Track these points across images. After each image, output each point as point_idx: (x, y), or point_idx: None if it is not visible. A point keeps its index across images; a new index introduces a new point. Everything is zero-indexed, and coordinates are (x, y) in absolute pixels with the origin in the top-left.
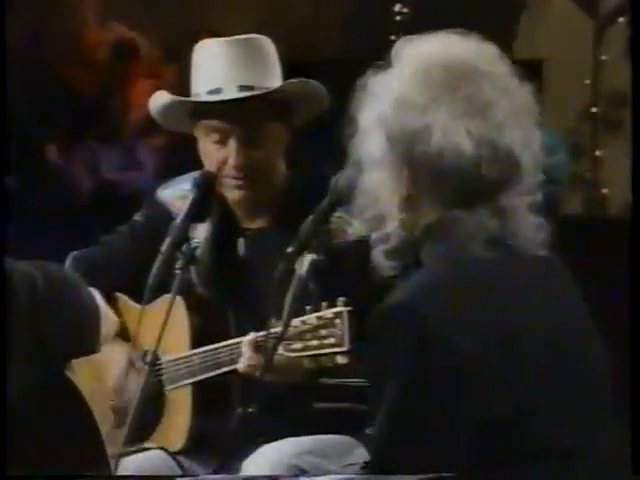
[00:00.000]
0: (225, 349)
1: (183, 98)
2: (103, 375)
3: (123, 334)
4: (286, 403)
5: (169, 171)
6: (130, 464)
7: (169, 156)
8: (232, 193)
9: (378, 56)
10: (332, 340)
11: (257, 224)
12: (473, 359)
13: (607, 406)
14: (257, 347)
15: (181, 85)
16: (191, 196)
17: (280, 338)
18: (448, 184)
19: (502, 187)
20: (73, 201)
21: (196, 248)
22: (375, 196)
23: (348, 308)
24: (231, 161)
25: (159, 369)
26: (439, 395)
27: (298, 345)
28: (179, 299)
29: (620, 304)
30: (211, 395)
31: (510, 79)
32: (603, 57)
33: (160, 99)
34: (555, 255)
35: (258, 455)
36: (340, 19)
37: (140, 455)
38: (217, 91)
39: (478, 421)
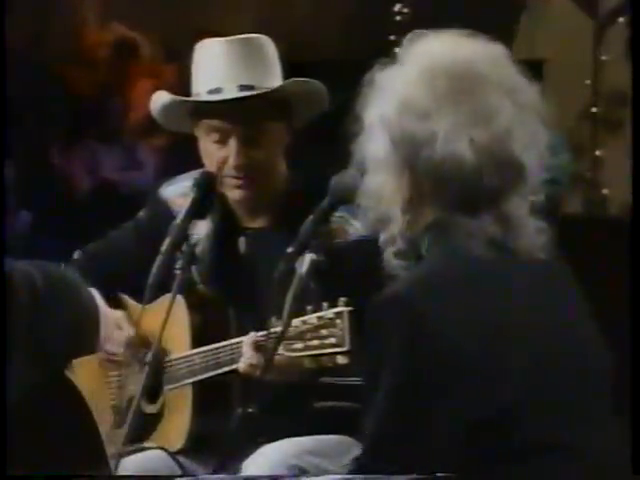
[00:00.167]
0: (226, 349)
1: (183, 98)
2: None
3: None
4: (286, 403)
5: (169, 171)
6: (130, 464)
7: (169, 156)
8: (232, 193)
9: (378, 56)
10: (333, 340)
11: (258, 223)
12: (467, 354)
13: (607, 406)
14: (258, 347)
15: (181, 85)
16: (191, 196)
17: (280, 338)
18: (449, 190)
19: (505, 193)
20: (73, 201)
21: (196, 245)
22: (379, 197)
23: (349, 308)
24: (231, 161)
25: (160, 369)
26: (433, 389)
27: (299, 345)
28: (180, 299)
29: (620, 304)
30: (211, 395)
31: (517, 80)
32: (603, 57)
33: (160, 99)
34: (555, 257)
35: (258, 455)
36: (340, 19)
37: (140, 455)
38: (217, 91)
39: (472, 416)
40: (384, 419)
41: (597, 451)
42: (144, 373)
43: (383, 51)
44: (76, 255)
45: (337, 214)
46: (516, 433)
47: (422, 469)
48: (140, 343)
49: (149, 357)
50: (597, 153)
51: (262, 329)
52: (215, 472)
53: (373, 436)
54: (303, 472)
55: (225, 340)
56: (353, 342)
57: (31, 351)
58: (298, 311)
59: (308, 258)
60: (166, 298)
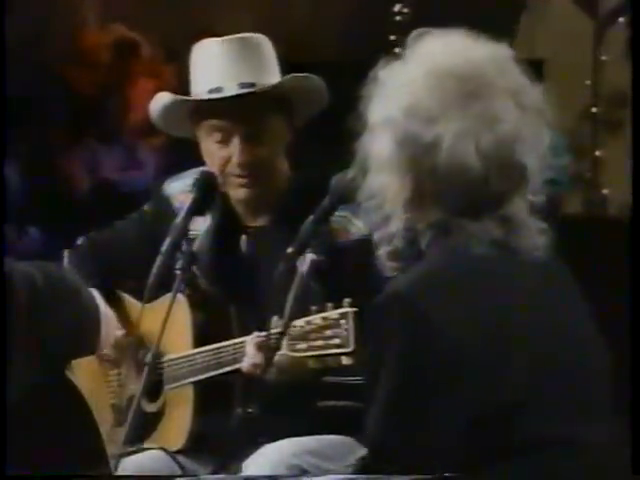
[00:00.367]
0: (228, 348)
1: (185, 97)
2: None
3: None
4: (289, 403)
5: (169, 171)
6: (130, 464)
7: (169, 156)
8: (236, 192)
9: (378, 56)
10: (337, 341)
11: (260, 222)
12: (469, 351)
13: (606, 405)
14: (260, 346)
15: (181, 85)
16: (191, 196)
17: (281, 338)
18: (453, 193)
19: (507, 195)
20: (73, 201)
21: (193, 241)
22: (381, 196)
23: (353, 309)
24: (235, 159)
25: (160, 368)
26: (434, 386)
27: (303, 345)
28: (182, 298)
29: (620, 304)
30: (212, 395)
31: (521, 81)
32: (603, 57)
33: (161, 100)
34: (555, 257)
35: (258, 455)
36: (340, 19)
37: (140, 455)
38: (218, 90)
39: (473, 413)
40: (386, 416)
41: (597, 448)
42: (144, 372)
43: (383, 51)
44: (80, 241)
45: (339, 213)
46: (517, 429)
47: (423, 465)
48: (141, 342)
49: (149, 357)
50: (597, 153)
51: (264, 328)
52: (215, 472)
53: (375, 433)
54: (303, 472)
55: (227, 339)
56: (357, 343)
57: (31, 351)
58: (299, 311)
59: (308, 258)
60: (167, 297)
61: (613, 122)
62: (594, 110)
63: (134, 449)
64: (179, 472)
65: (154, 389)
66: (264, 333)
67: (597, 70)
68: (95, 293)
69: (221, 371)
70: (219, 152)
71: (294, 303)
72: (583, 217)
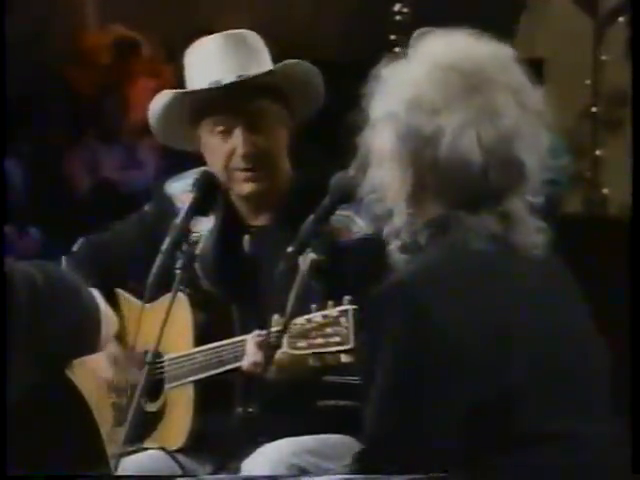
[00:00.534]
0: (228, 347)
1: (185, 90)
2: (98, 374)
3: (124, 333)
4: (288, 402)
5: (169, 170)
6: (130, 464)
7: (169, 155)
8: (241, 187)
9: (378, 56)
10: (337, 338)
11: (262, 221)
12: (469, 342)
13: (606, 401)
14: (261, 345)
15: (181, 85)
16: (191, 196)
17: (281, 336)
18: (453, 188)
19: (508, 192)
20: (73, 200)
21: (197, 243)
22: (383, 191)
23: (354, 306)
24: (239, 150)
25: (161, 367)
26: (434, 377)
27: (303, 343)
28: (183, 297)
29: (620, 304)
30: (213, 394)
31: (522, 81)
32: (603, 57)
33: (161, 99)
34: (554, 256)
35: (258, 454)
36: (340, 19)
37: (140, 455)
38: (217, 83)
39: (472, 404)
40: (384, 405)
41: (597, 445)
42: (144, 372)
43: (383, 51)
44: (80, 243)
45: (341, 212)
46: (516, 423)
47: (421, 456)
48: (141, 341)
49: (149, 356)
50: (597, 153)
51: (265, 327)
52: (215, 471)
53: (373, 422)
54: (303, 471)
55: (229, 338)
56: (358, 340)
57: (31, 351)
58: (300, 309)
59: (309, 257)
60: (168, 297)
61: (613, 122)
62: (594, 110)
63: (134, 449)
64: (179, 472)
65: (154, 389)
66: (264, 331)
67: (597, 70)
68: (95, 293)
69: (222, 370)
70: (222, 147)
71: (295, 302)
72: (583, 217)
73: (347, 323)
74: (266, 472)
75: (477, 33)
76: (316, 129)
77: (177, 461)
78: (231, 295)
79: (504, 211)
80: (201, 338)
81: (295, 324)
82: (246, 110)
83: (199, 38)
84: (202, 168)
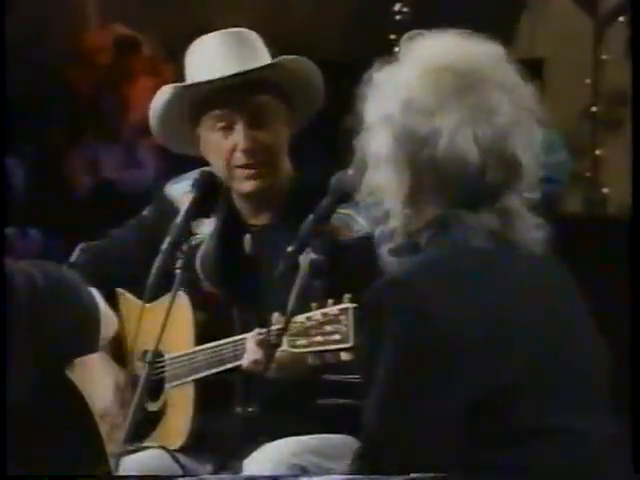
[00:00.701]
0: (229, 345)
1: (186, 83)
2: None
3: (124, 332)
4: (289, 401)
5: (169, 170)
6: (130, 463)
7: (169, 155)
8: (242, 185)
9: (378, 56)
10: (337, 336)
11: (263, 220)
12: (468, 336)
13: (606, 396)
14: (261, 343)
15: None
16: (191, 196)
17: (281, 334)
18: (451, 187)
19: (505, 189)
20: (73, 200)
21: (198, 245)
22: (381, 193)
23: (354, 305)
24: (240, 146)
25: (161, 367)
26: (433, 370)
27: (303, 341)
28: (184, 297)
29: (620, 304)
30: (213, 393)
31: (515, 80)
32: (603, 57)
33: (162, 95)
34: (553, 253)
35: (259, 454)
36: (340, 19)
37: (140, 454)
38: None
39: (470, 398)
40: (384, 403)
41: (597, 443)
42: (144, 372)
43: (383, 51)
44: (77, 253)
45: (342, 211)
46: (515, 416)
47: (422, 454)
48: (141, 341)
49: (149, 356)
50: (597, 153)
51: (265, 326)
52: (216, 471)
53: (373, 420)
54: (304, 471)
55: (229, 337)
56: (357, 338)
57: (31, 351)
58: (301, 308)
59: (309, 257)
60: (168, 297)
61: (613, 121)
62: (594, 109)
63: (134, 448)
64: (179, 471)
65: (155, 388)
66: (265, 330)
67: (597, 69)
68: (95, 293)
69: (222, 368)
70: (223, 143)
71: (295, 301)
72: (583, 216)
73: (347, 321)
74: (267, 472)
75: (468, 32)
76: (316, 129)
77: (177, 461)
78: (232, 295)
79: (502, 208)
80: (202, 337)
81: (295, 322)
82: (247, 105)
83: (199, 37)
84: (202, 168)
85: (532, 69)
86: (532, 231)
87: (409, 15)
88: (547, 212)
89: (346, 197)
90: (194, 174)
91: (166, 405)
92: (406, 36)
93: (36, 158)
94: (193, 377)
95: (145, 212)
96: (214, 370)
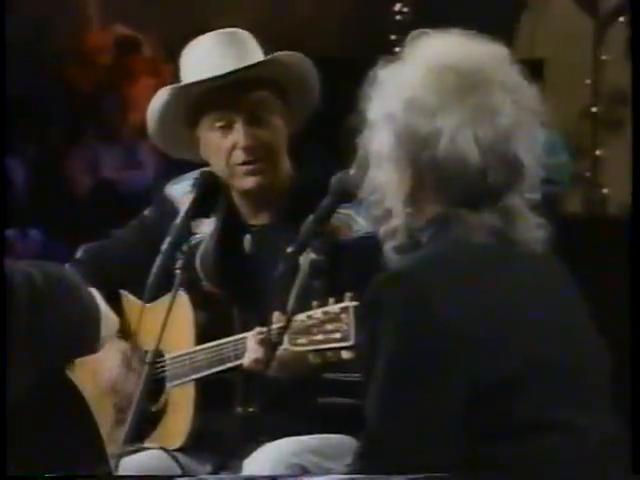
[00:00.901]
0: (230, 344)
1: (182, 84)
2: (101, 374)
3: (124, 332)
4: (289, 400)
5: (169, 170)
6: (130, 463)
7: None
8: (244, 181)
9: (378, 55)
10: (338, 335)
11: (263, 220)
12: (468, 330)
13: (606, 393)
14: (261, 341)
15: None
16: (191, 196)
17: (282, 333)
18: (452, 187)
19: (506, 190)
20: (73, 201)
21: (198, 245)
22: (383, 192)
23: (355, 303)
24: (240, 144)
25: (161, 367)
26: (432, 362)
27: (304, 339)
28: (184, 297)
29: (620, 304)
30: (213, 393)
31: (518, 80)
32: (603, 57)
33: (159, 98)
34: (553, 252)
35: (259, 454)
36: (340, 19)
37: (140, 454)
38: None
39: (470, 392)
40: (385, 396)
41: (596, 439)
42: (144, 372)
43: (383, 50)
44: (79, 253)
45: (342, 211)
46: (515, 411)
47: (423, 446)
48: (142, 341)
49: (149, 356)
50: (597, 153)
51: (266, 325)
52: (216, 471)
53: (374, 412)
54: (304, 471)
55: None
56: (358, 337)
57: (31, 351)
58: (301, 308)
59: (309, 258)
60: (169, 297)
61: (613, 121)
62: (594, 109)
63: (134, 448)
64: (179, 471)
65: (155, 388)
66: (265, 328)
67: (597, 69)
68: (95, 293)
69: (223, 367)
70: (223, 143)
71: (296, 300)
72: (583, 216)
73: (348, 320)
74: (267, 471)
75: (472, 33)
76: (316, 129)
77: (177, 461)
78: (232, 295)
79: (504, 207)
80: (202, 337)
81: (296, 321)
82: (244, 103)
83: (194, 39)
84: (202, 169)
85: (532, 69)
86: (533, 230)
87: (409, 15)
88: (547, 212)
89: (346, 197)
90: (194, 174)
91: (166, 405)
92: (411, 35)
93: (36, 158)
94: (194, 376)
95: (146, 212)
96: (215, 369)
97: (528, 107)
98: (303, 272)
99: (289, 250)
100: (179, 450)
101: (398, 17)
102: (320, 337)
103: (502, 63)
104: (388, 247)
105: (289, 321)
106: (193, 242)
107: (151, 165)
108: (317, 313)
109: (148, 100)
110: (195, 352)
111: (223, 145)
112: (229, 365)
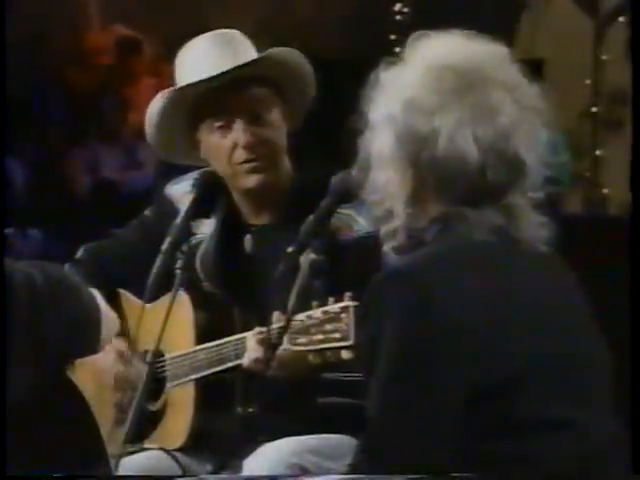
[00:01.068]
0: (230, 344)
1: (179, 86)
2: (102, 374)
3: (125, 332)
4: (288, 400)
5: (169, 170)
6: (130, 464)
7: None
8: (247, 180)
9: (379, 55)
10: (338, 335)
11: (263, 220)
12: (469, 327)
13: (607, 392)
14: (261, 341)
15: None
16: (191, 196)
17: (282, 333)
18: (453, 186)
19: (508, 187)
20: (73, 201)
21: (198, 245)
22: (384, 192)
23: (354, 303)
24: (241, 142)
25: (162, 366)
26: (433, 359)
27: (303, 339)
28: (185, 297)
29: (620, 304)
30: (213, 393)
31: (518, 79)
32: (603, 57)
33: (156, 103)
34: (556, 252)
35: (258, 454)
36: (340, 19)
37: (140, 455)
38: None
39: (471, 389)
40: (386, 393)
41: (597, 437)
42: (145, 372)
43: (384, 50)
44: (80, 253)
45: (343, 211)
46: (516, 408)
47: (424, 443)
48: (142, 341)
49: (149, 356)
50: (597, 153)
51: (266, 324)
52: (216, 471)
53: (376, 409)
54: (303, 471)
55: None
56: (358, 337)
57: (31, 351)
58: (302, 307)
59: (309, 258)
60: (169, 297)
61: (613, 121)
62: (594, 109)
63: (134, 449)
64: (179, 471)
65: (155, 388)
66: (265, 328)
67: (597, 69)
68: (95, 293)
69: (223, 367)
70: (223, 143)
71: (296, 300)
72: (583, 216)
73: (348, 319)
74: (266, 471)
75: (472, 33)
76: (316, 129)
77: (177, 461)
78: (232, 295)
79: (506, 205)
80: (202, 337)
81: (296, 320)
82: (242, 102)
83: (186, 43)
84: (202, 169)
85: (532, 69)
86: (536, 229)
87: (409, 15)
88: (548, 212)
89: (347, 197)
90: (194, 174)
91: (166, 405)
92: (412, 37)
93: (36, 158)
94: (194, 376)
95: (146, 212)
96: (215, 369)
97: (529, 106)
98: (303, 272)
99: (289, 250)
100: (179, 450)
101: (398, 17)
102: (320, 337)
103: (502, 62)
104: (388, 247)
105: (289, 321)
106: (193, 242)
107: (151, 165)
108: (317, 313)
109: (148, 100)
110: (195, 352)
111: (223, 145)
112: (229, 365)
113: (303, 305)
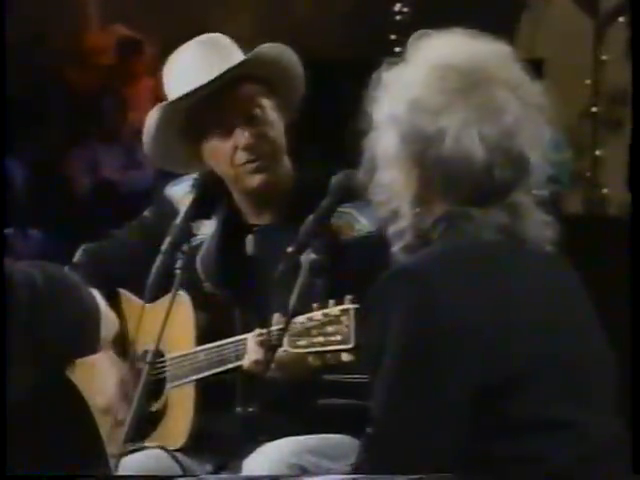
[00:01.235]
0: (230, 345)
1: (173, 98)
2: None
3: (124, 332)
4: (289, 401)
5: (169, 171)
6: (130, 463)
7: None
8: (250, 180)
9: (379, 55)
10: (338, 337)
11: (264, 220)
12: (472, 326)
13: (608, 394)
14: (262, 343)
15: None
16: (191, 197)
17: (282, 334)
18: (459, 185)
19: (513, 186)
20: (73, 201)
21: (198, 246)
22: (390, 193)
23: (355, 305)
24: (241, 143)
25: (162, 367)
26: (437, 358)
27: (304, 341)
28: (185, 297)
29: (620, 304)
30: (213, 394)
31: (522, 78)
32: (603, 57)
33: (152, 118)
34: (559, 250)
35: (259, 454)
36: (340, 19)
37: (140, 454)
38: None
39: (472, 388)
40: (389, 390)
41: (597, 438)
42: (144, 372)
43: (384, 50)
44: (79, 254)
45: (344, 210)
46: (517, 407)
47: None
48: (142, 341)
49: (149, 356)
50: (597, 153)
51: (266, 326)
52: (216, 471)
53: (380, 407)
54: (304, 471)
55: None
56: (358, 339)
57: (31, 351)
58: (302, 308)
59: (309, 257)
60: (169, 297)
61: (613, 121)
62: (594, 109)
63: (134, 448)
64: (179, 471)
65: (155, 388)
66: (265, 330)
67: (597, 69)
68: (95, 293)
69: (223, 368)
70: (224, 146)
71: (297, 301)
72: (583, 216)
73: (348, 322)
74: (266, 471)
75: (474, 32)
76: (316, 128)
77: (177, 461)
78: (233, 295)
79: (512, 204)
80: (203, 338)
81: (296, 322)
82: (237, 104)
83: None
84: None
85: (532, 69)
86: (541, 228)
87: (409, 15)
88: (552, 211)
89: (347, 196)
90: (194, 175)
91: (167, 405)
92: (414, 36)
93: (36, 158)
94: (194, 377)
95: (146, 213)
96: (215, 370)
97: (533, 103)
98: (304, 272)
99: (289, 250)
100: (179, 450)
101: (398, 17)
102: (320, 339)
103: (505, 61)
104: (396, 248)
105: (289, 323)
106: (194, 243)
107: (151, 165)
108: (317, 315)
109: (148, 100)
110: (195, 353)
111: (224, 149)
112: (229, 366)
113: (304, 306)
